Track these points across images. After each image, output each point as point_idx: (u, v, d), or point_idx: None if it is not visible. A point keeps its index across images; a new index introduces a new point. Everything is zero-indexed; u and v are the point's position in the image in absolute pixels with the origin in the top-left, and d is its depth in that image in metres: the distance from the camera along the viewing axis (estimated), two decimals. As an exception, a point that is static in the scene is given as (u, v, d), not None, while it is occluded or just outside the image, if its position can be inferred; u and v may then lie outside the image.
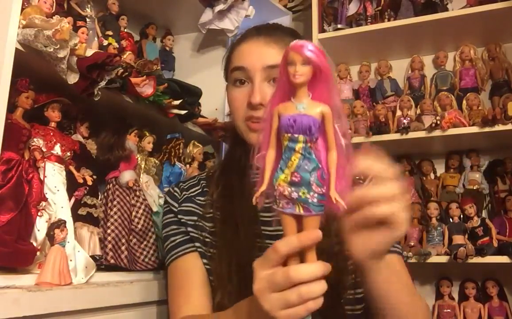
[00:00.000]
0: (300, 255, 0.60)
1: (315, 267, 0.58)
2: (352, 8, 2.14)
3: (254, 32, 0.97)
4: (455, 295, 1.89)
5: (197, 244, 0.98)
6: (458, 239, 1.79)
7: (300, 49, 0.54)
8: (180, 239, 1.00)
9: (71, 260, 1.02)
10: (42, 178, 1.05)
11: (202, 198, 1.02)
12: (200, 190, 1.04)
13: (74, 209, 1.10)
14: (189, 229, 0.99)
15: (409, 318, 0.77)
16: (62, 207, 1.06)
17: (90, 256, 1.09)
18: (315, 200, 0.55)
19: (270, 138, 0.58)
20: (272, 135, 0.57)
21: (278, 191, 0.57)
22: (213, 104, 1.74)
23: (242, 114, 0.94)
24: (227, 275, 0.90)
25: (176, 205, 1.03)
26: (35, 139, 1.07)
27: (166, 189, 1.30)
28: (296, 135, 0.55)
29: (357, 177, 0.63)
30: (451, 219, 1.87)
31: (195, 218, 1.00)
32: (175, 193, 1.05)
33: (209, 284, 0.96)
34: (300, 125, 0.55)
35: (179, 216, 1.01)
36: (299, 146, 0.55)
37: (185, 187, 1.06)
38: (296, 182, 0.55)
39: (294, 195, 0.55)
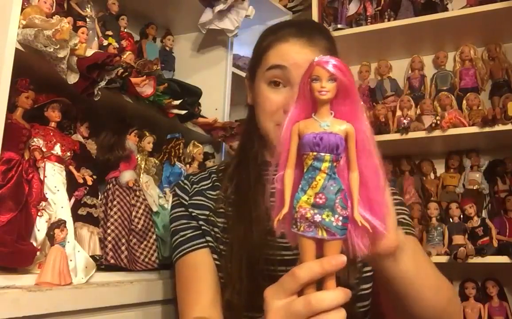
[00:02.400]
0: (318, 282, 0.55)
1: (337, 294, 0.54)
2: (352, 8, 2.14)
3: (296, 31, 0.91)
4: (455, 295, 1.89)
5: (208, 238, 0.96)
6: (458, 239, 1.79)
7: (327, 65, 0.52)
8: (191, 234, 0.98)
9: (71, 260, 1.01)
10: (42, 178, 1.05)
11: (213, 192, 1.00)
12: (210, 184, 1.02)
13: (74, 209, 1.10)
14: (201, 223, 0.98)
15: (434, 299, 0.74)
16: (62, 207, 1.06)
17: (90, 256, 1.09)
18: (339, 223, 0.52)
19: (289, 157, 0.54)
20: (291, 154, 0.54)
21: (299, 213, 0.53)
22: (213, 104, 1.74)
23: (275, 118, 0.90)
24: (238, 273, 0.88)
25: (187, 198, 1.01)
26: (35, 139, 1.07)
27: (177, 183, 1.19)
28: (322, 154, 0.52)
29: None
30: (451, 219, 1.87)
31: (207, 212, 0.98)
32: (185, 186, 1.03)
33: (219, 281, 0.95)
34: (327, 144, 0.52)
35: (190, 210, 0.99)
36: (325, 165, 0.52)
37: (195, 180, 1.04)
38: (320, 204, 0.52)
39: (317, 218, 0.52)
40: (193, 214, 0.99)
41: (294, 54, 0.89)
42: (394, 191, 0.99)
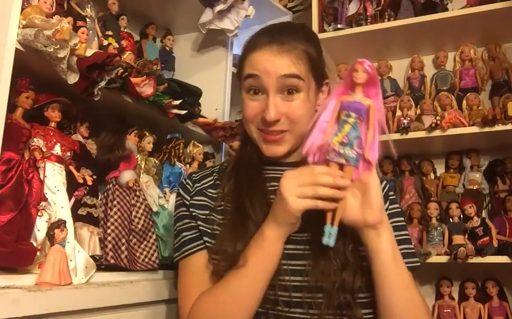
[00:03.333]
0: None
1: (338, 179, 0.82)
2: (352, 8, 2.14)
3: (267, 39, 0.95)
4: (455, 295, 1.89)
5: (206, 239, 0.98)
6: (458, 239, 1.79)
7: (363, 64, 0.82)
8: (192, 236, 1.00)
9: (71, 260, 1.02)
10: (42, 178, 1.05)
11: (213, 191, 1.02)
12: (212, 182, 1.04)
13: (74, 209, 1.10)
14: (199, 223, 0.99)
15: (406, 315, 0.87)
16: (62, 207, 1.06)
17: (90, 256, 1.09)
18: (354, 156, 0.82)
19: (332, 115, 0.84)
20: (334, 113, 0.85)
21: (331, 147, 0.83)
22: (213, 104, 1.74)
23: (255, 124, 0.96)
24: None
25: (188, 197, 1.03)
26: (35, 139, 1.07)
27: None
28: (350, 113, 0.83)
29: None
30: (451, 219, 1.87)
31: (207, 212, 1.00)
32: (187, 185, 1.05)
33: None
34: (354, 108, 0.83)
35: (191, 210, 1.01)
36: (351, 120, 0.83)
37: (197, 178, 1.06)
38: (345, 142, 0.82)
39: (342, 151, 0.82)
40: (193, 214, 1.00)
41: (264, 62, 0.93)
42: (398, 210, 1.04)
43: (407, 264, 0.90)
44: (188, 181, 1.06)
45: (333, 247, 0.84)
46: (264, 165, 1.01)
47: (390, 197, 1.02)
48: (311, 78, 0.95)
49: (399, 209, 1.04)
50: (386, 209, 0.96)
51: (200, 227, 0.99)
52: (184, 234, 1.00)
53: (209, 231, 0.98)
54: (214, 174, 1.06)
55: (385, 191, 1.00)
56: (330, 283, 0.87)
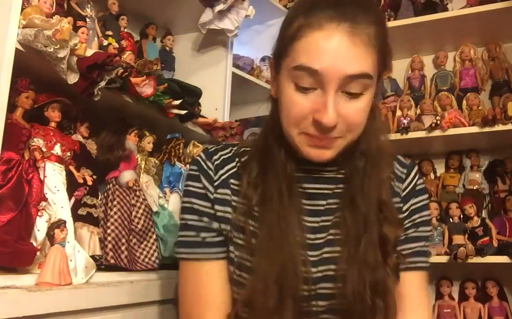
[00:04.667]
0: None
1: None
2: (352, 8, 2.13)
3: (334, 13, 0.69)
4: (455, 295, 1.89)
5: (231, 248, 0.82)
6: (458, 239, 1.79)
7: None
8: (211, 239, 0.83)
9: (71, 260, 1.01)
10: (42, 178, 1.05)
11: (236, 182, 0.83)
12: (235, 170, 0.85)
13: (74, 209, 1.10)
14: (224, 226, 0.82)
15: None
16: (62, 207, 1.06)
17: (90, 256, 1.09)
18: None
19: None
20: None
21: None
22: (213, 104, 1.74)
23: (301, 126, 0.73)
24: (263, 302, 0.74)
25: (212, 189, 0.83)
26: (35, 139, 1.07)
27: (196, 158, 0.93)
28: None
29: None
30: (451, 219, 1.87)
31: (229, 210, 0.82)
32: (209, 171, 0.84)
33: (230, 295, 0.83)
34: None
35: (216, 207, 0.83)
36: None
37: (219, 162, 0.85)
38: None
39: None
40: (218, 214, 0.82)
41: (330, 54, 0.68)
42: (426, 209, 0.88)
43: (423, 263, 0.85)
44: (209, 164, 0.85)
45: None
46: (298, 178, 0.81)
47: (418, 187, 0.87)
48: (378, 69, 0.73)
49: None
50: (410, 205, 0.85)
51: (224, 232, 0.82)
52: (204, 235, 0.83)
53: (238, 241, 0.81)
54: (236, 158, 0.86)
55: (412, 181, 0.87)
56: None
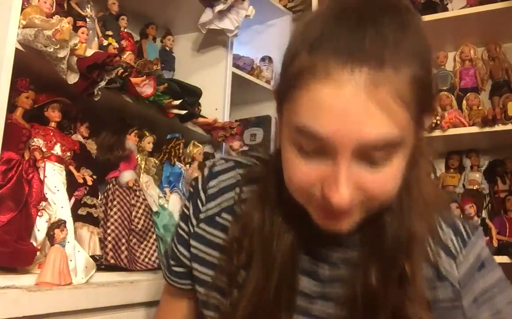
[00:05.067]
0: None
1: None
2: (352, 8, 2.14)
3: (348, 54, 0.47)
4: (455, 295, 1.89)
5: (198, 288, 0.71)
6: (458, 239, 1.79)
7: None
8: (179, 270, 0.75)
9: (71, 260, 1.02)
10: (42, 178, 1.05)
11: (228, 217, 0.68)
12: (231, 203, 0.69)
13: (74, 209, 1.10)
14: (196, 266, 0.71)
15: None
16: (62, 207, 1.06)
17: (90, 256, 1.09)
18: None
19: None
20: None
21: None
22: (213, 104, 1.74)
23: (307, 195, 0.55)
24: None
25: (194, 221, 0.71)
26: (35, 139, 1.07)
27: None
28: None
29: None
30: (451, 219, 1.87)
31: (213, 253, 0.69)
32: (198, 200, 0.71)
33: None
34: None
35: (192, 242, 0.71)
36: None
37: (214, 191, 0.70)
38: None
39: None
40: (192, 250, 0.71)
41: (338, 112, 0.47)
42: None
43: None
44: (201, 192, 0.71)
45: None
46: (305, 238, 0.63)
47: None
48: (414, 123, 0.51)
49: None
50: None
51: (194, 272, 0.71)
52: (171, 262, 0.76)
53: (207, 281, 0.69)
54: (237, 188, 0.69)
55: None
56: None
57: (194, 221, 0.71)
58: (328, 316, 0.63)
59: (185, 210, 0.74)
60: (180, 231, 0.74)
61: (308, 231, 0.60)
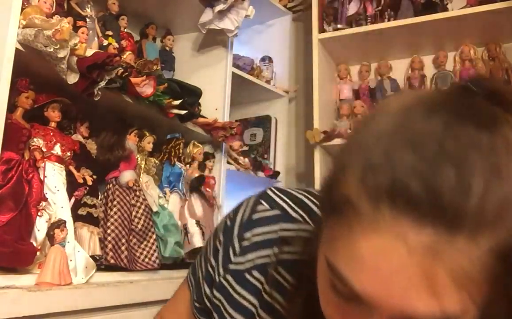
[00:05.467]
0: None
1: None
2: (352, 8, 2.14)
3: (408, 206, 0.34)
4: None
5: None
6: (458, 239, 1.79)
7: None
8: (198, 305, 0.65)
9: (71, 260, 1.02)
10: (42, 178, 1.05)
11: (261, 278, 0.58)
12: (265, 260, 0.58)
13: (74, 209, 1.10)
14: (216, 317, 0.61)
15: None
16: (62, 207, 1.06)
17: (90, 256, 1.09)
18: None
19: None
20: None
21: None
22: (213, 104, 1.74)
23: None
24: None
25: (221, 271, 0.61)
26: (35, 139, 1.07)
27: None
28: None
29: None
30: (451, 219, 1.87)
31: (236, 314, 0.59)
32: (231, 247, 0.60)
33: None
34: None
35: (215, 293, 0.61)
36: None
37: (248, 243, 0.59)
38: None
39: None
40: (214, 301, 0.61)
41: (383, 273, 0.36)
42: None
43: None
44: (235, 239, 0.60)
45: None
46: None
47: None
48: (478, 302, 0.37)
49: None
50: None
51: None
52: (195, 297, 0.65)
53: None
54: (275, 247, 0.58)
55: None
56: None
57: (221, 271, 0.61)
58: None
59: (218, 245, 0.62)
60: (207, 272, 0.63)
61: None
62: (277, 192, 0.62)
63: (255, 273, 0.58)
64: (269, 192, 0.62)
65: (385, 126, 0.38)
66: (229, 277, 0.60)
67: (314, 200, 0.60)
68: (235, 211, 0.63)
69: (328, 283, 0.42)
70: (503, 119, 0.37)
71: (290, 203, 0.60)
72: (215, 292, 0.61)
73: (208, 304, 0.62)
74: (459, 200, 0.33)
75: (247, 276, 0.58)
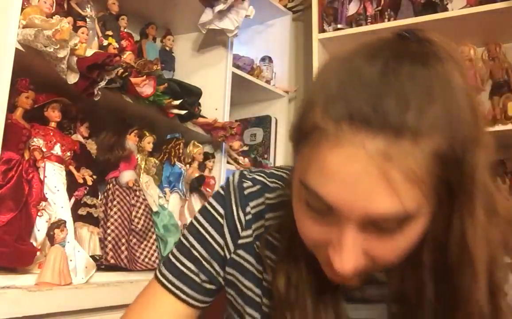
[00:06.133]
0: None
1: None
2: (352, 8, 2.14)
3: (364, 120, 0.43)
4: (455, 295, 1.89)
5: (233, 313, 0.66)
6: (458, 239, 1.79)
7: None
8: (199, 283, 0.65)
9: (71, 260, 1.02)
10: (42, 178, 1.05)
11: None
12: (262, 231, 0.64)
13: (74, 209, 1.10)
14: (231, 292, 0.65)
15: None
16: (62, 207, 1.06)
17: (90, 256, 1.09)
18: None
19: None
20: None
21: None
22: (213, 104, 1.74)
23: (314, 249, 0.53)
24: None
25: (232, 246, 0.64)
26: (35, 139, 1.07)
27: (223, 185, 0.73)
28: None
29: None
30: (451, 219, 1.87)
31: (249, 284, 0.63)
32: (237, 222, 0.65)
33: None
34: None
35: (228, 269, 0.65)
36: None
37: (250, 216, 0.65)
38: None
39: None
40: (228, 277, 0.65)
41: (346, 181, 0.44)
42: None
43: None
44: (240, 212, 0.65)
45: None
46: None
47: None
48: (432, 199, 0.46)
49: None
50: None
51: (229, 297, 0.66)
52: (187, 265, 0.66)
53: (241, 310, 0.64)
54: (266, 215, 0.65)
55: None
56: None
57: (231, 247, 0.64)
58: None
59: (217, 235, 0.65)
60: (207, 254, 0.65)
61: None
62: (252, 172, 0.69)
63: (258, 243, 0.63)
64: (245, 172, 0.69)
65: (338, 68, 0.48)
66: (240, 252, 0.64)
67: (284, 170, 0.69)
68: (222, 195, 0.68)
69: (303, 204, 0.50)
70: (433, 57, 0.47)
71: (266, 177, 0.68)
72: (227, 269, 0.64)
73: (221, 281, 0.65)
74: (400, 115, 0.42)
75: (255, 245, 0.63)
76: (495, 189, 0.51)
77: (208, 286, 0.65)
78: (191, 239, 0.66)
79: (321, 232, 0.49)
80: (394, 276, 0.54)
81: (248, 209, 0.65)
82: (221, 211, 0.66)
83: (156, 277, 0.67)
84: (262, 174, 0.68)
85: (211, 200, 0.69)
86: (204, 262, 0.65)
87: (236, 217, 0.65)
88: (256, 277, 0.63)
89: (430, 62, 0.46)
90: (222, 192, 0.68)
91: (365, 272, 0.50)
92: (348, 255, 0.47)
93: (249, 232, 0.64)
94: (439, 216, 0.48)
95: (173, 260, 0.67)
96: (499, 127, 1.75)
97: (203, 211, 0.69)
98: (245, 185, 0.67)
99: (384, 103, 0.43)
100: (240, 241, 0.64)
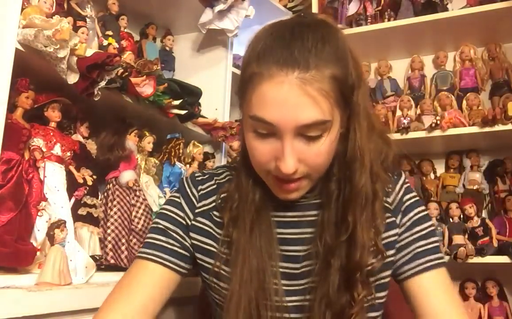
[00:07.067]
0: None
1: None
2: (352, 8, 2.14)
3: (283, 62, 0.66)
4: (455, 295, 1.89)
5: (205, 276, 0.84)
6: (458, 239, 1.79)
7: None
8: (171, 248, 0.82)
9: (71, 260, 1.02)
10: (42, 178, 1.05)
11: (217, 214, 0.83)
12: (218, 202, 0.84)
13: (74, 209, 1.10)
14: (199, 256, 0.83)
15: None
16: (62, 207, 1.06)
17: (90, 256, 1.09)
18: None
19: None
20: None
21: None
22: (213, 104, 1.74)
23: (265, 168, 0.74)
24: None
25: (191, 215, 0.84)
26: (35, 139, 1.07)
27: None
28: None
29: None
30: (451, 219, 1.87)
31: (210, 242, 0.83)
32: (192, 197, 0.86)
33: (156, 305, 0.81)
34: None
35: (191, 234, 0.84)
36: None
37: (204, 192, 0.86)
38: None
39: None
40: (193, 241, 0.84)
41: (280, 107, 0.67)
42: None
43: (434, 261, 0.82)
44: (193, 190, 0.86)
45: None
46: (272, 207, 0.81)
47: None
48: (337, 110, 0.70)
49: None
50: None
51: (199, 261, 0.83)
52: (162, 238, 0.83)
53: (211, 268, 0.81)
54: (220, 187, 0.86)
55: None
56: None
57: (191, 216, 0.85)
58: (304, 273, 0.79)
59: (179, 212, 0.85)
60: (174, 230, 0.84)
61: (272, 200, 0.79)
62: (200, 171, 0.93)
63: (215, 213, 0.84)
64: (194, 172, 0.92)
65: (262, 35, 0.72)
66: (199, 218, 0.84)
67: (226, 164, 0.95)
68: (177, 188, 0.89)
69: (253, 136, 0.72)
70: (324, 23, 0.72)
71: (213, 170, 0.92)
72: (191, 234, 0.84)
73: (189, 246, 0.84)
74: (306, 54, 0.66)
75: (211, 214, 0.84)
76: (373, 112, 0.78)
77: (179, 250, 0.83)
78: (157, 220, 0.86)
79: (269, 152, 0.71)
80: (314, 192, 0.80)
81: (200, 187, 0.86)
82: (177, 194, 0.87)
83: (136, 257, 0.85)
84: (210, 170, 0.92)
85: (170, 194, 0.90)
86: (170, 232, 0.83)
87: (190, 194, 0.86)
88: (213, 235, 0.82)
89: (321, 25, 0.72)
90: (177, 186, 0.90)
91: (303, 178, 0.72)
92: (289, 157, 0.69)
93: (204, 202, 0.85)
94: (342, 127, 0.73)
95: (147, 240, 0.85)
96: (499, 127, 1.75)
97: (165, 202, 0.89)
98: (196, 175, 0.90)
99: (295, 49, 0.67)
100: (197, 211, 0.84)
